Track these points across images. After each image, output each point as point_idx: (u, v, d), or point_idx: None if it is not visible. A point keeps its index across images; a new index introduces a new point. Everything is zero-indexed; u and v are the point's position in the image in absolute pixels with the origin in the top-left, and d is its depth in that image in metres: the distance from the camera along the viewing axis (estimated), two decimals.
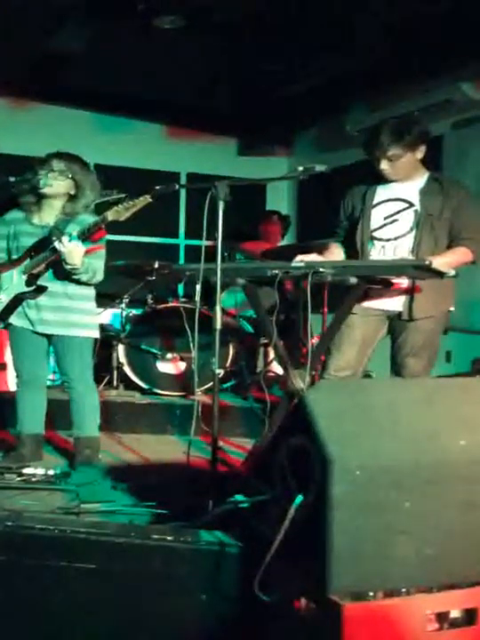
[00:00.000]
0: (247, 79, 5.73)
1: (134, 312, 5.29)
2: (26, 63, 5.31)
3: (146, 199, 3.15)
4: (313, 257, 3.41)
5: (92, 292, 3.56)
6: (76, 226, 3.32)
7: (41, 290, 3.39)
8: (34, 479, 3.08)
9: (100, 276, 3.45)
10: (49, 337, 3.51)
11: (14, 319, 3.48)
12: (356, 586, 1.87)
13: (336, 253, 3.55)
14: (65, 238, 3.20)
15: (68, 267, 3.27)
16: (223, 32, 4.87)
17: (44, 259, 3.34)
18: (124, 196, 3.24)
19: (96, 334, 3.58)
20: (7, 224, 3.53)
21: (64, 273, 3.35)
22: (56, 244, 3.24)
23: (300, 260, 3.27)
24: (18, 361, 3.58)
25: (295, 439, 2.09)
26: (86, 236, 3.24)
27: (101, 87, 5.80)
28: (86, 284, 3.43)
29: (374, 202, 3.38)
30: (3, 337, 4.24)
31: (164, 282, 5.45)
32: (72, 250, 3.21)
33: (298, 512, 1.96)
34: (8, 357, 4.27)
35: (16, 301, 3.44)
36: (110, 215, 3.19)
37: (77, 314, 3.47)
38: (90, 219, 3.35)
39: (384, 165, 3.26)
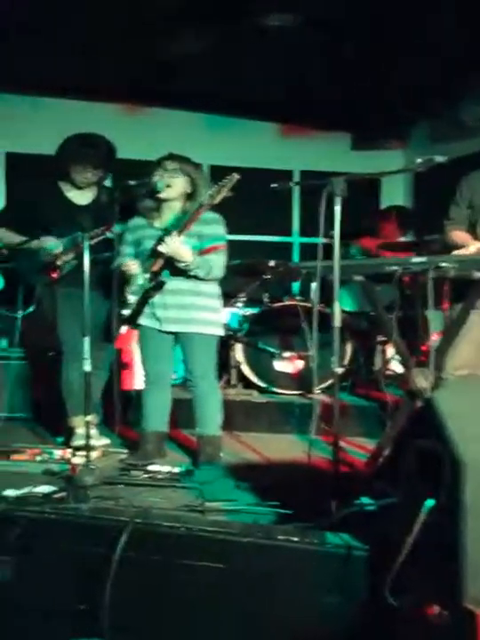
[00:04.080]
0: (359, 73, 5.63)
1: (251, 311, 5.32)
2: (140, 68, 5.44)
3: (233, 177, 3.24)
4: None
5: (216, 289, 3.60)
6: (197, 225, 3.38)
7: (160, 285, 3.46)
8: (159, 476, 3.15)
9: (217, 272, 3.49)
10: (176, 335, 3.59)
11: (143, 319, 3.58)
12: None
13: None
14: (167, 238, 3.29)
15: (180, 264, 3.35)
16: (334, 28, 4.82)
17: (160, 256, 3.42)
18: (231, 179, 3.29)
19: (221, 332, 3.62)
20: (132, 231, 3.64)
21: (181, 270, 3.42)
22: (159, 247, 3.33)
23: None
24: (145, 360, 3.67)
25: (423, 441, 2.04)
26: (182, 229, 3.31)
27: (215, 89, 5.85)
28: (205, 280, 3.47)
29: None
30: (128, 337, 4.37)
31: (279, 280, 5.45)
32: (176, 248, 3.30)
33: (428, 516, 1.91)
34: (136, 357, 4.40)
35: (143, 302, 3.53)
36: (206, 200, 3.27)
37: (203, 311, 3.52)
38: (208, 216, 3.42)
39: None
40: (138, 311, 3.54)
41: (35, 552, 2.55)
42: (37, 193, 4.06)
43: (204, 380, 3.55)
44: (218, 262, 3.48)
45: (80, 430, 3.78)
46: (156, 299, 3.51)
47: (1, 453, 3.51)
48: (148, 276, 3.48)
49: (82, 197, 4.03)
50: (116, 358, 3.97)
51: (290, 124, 6.87)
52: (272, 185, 3.15)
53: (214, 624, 2.33)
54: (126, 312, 3.55)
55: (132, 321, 3.58)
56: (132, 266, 3.50)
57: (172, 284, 3.48)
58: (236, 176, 3.26)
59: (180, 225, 3.35)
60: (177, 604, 2.38)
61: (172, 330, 3.55)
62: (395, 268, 3.08)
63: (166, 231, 3.40)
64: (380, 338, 5.05)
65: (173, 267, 3.41)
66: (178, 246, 3.31)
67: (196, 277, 3.45)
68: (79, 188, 3.99)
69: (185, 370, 3.68)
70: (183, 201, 3.52)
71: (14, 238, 3.97)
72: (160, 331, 3.56)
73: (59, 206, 3.96)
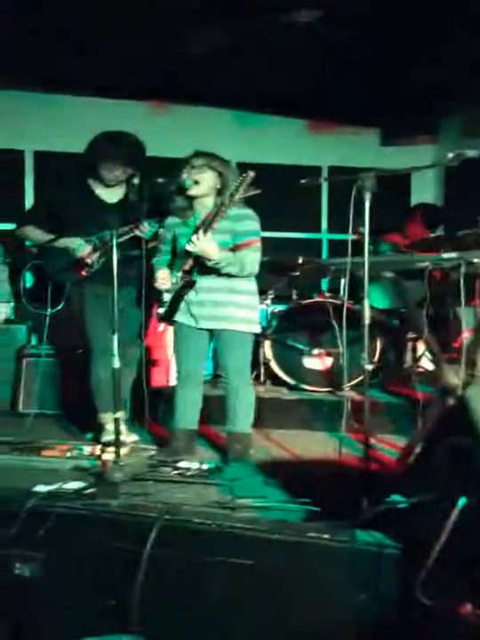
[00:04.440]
0: (388, 68, 5.58)
1: (279, 308, 5.30)
2: (165, 66, 5.45)
3: (248, 175, 3.23)
4: None
5: (252, 286, 3.58)
6: (227, 221, 3.38)
7: (191, 284, 3.47)
8: (188, 473, 3.15)
9: (251, 269, 3.46)
10: (211, 333, 3.59)
11: (179, 316, 3.58)
12: None
13: None
14: (193, 237, 3.30)
15: (209, 263, 3.35)
16: (361, 22, 4.78)
17: (190, 255, 3.43)
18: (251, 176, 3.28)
19: (256, 329, 3.60)
20: (168, 229, 3.65)
21: (214, 268, 3.42)
22: (187, 246, 3.33)
23: None
24: (179, 357, 3.67)
25: (455, 438, 2.01)
26: (207, 228, 3.30)
27: (243, 85, 5.84)
28: (239, 277, 3.46)
29: None
30: (159, 334, 4.40)
31: (307, 277, 5.42)
32: (202, 247, 3.29)
33: (461, 514, 1.88)
34: (170, 354, 4.41)
35: (176, 299, 3.54)
36: (227, 200, 3.27)
37: (238, 308, 3.51)
38: (241, 212, 3.41)
39: None
40: (172, 309, 3.55)
41: (65, 547, 2.56)
42: (66, 191, 4.08)
43: (237, 378, 3.54)
44: (250, 258, 3.45)
45: (109, 426, 3.80)
46: (192, 296, 3.52)
47: (31, 449, 3.54)
48: (179, 274, 3.49)
49: (111, 195, 4.04)
50: (145, 355, 3.98)
51: (318, 120, 6.84)
52: (301, 181, 3.13)
53: (243, 621, 2.32)
54: (162, 310, 3.57)
55: (167, 318, 3.59)
56: (163, 281, 3.51)
57: (208, 281, 3.48)
58: (251, 173, 3.24)
59: (206, 224, 3.35)
60: (206, 601, 2.38)
61: (208, 327, 3.55)
62: (425, 264, 3.05)
63: (195, 230, 3.40)
64: (411, 335, 5.00)
65: (205, 265, 3.42)
66: (205, 245, 3.31)
67: (229, 275, 3.44)
68: (108, 185, 4.01)
69: (219, 366, 3.67)
70: (214, 197, 3.51)
71: (42, 236, 4.00)
72: (196, 328, 3.57)
73: (87, 204, 3.98)
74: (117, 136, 3.93)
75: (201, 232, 3.31)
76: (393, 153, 6.87)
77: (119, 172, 3.95)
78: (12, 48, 5.02)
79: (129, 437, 3.82)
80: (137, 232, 3.73)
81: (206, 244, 3.30)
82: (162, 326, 3.85)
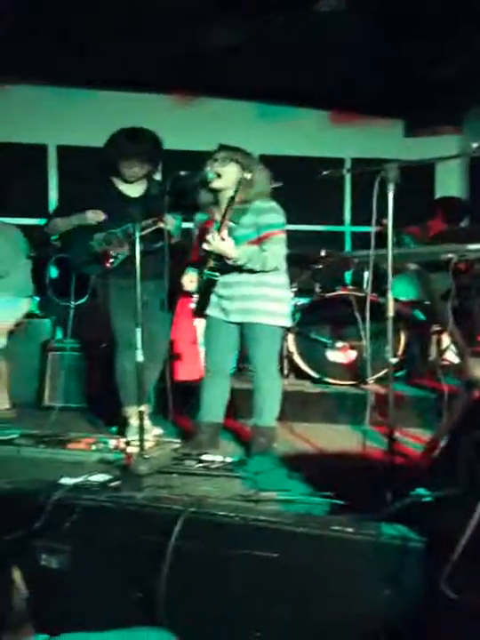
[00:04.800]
0: (411, 58, 5.53)
1: (302, 301, 5.29)
2: (190, 59, 5.44)
3: (244, 177, 3.29)
4: None
5: (281, 279, 3.57)
6: (251, 215, 3.37)
7: (212, 282, 3.47)
8: (213, 466, 3.16)
9: (273, 263, 3.43)
10: (241, 326, 3.59)
11: (210, 310, 3.59)
12: None
13: None
14: (209, 236, 3.30)
15: (228, 261, 3.34)
16: (384, 12, 4.74)
17: (209, 253, 3.43)
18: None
19: (285, 323, 3.59)
20: (197, 226, 3.68)
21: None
22: (204, 245, 3.33)
23: None
24: (209, 350, 3.68)
25: None
26: (220, 226, 3.30)
27: (264, 78, 5.82)
28: (264, 271, 3.45)
29: None
30: (192, 328, 4.41)
31: (330, 270, 5.40)
32: (217, 245, 3.30)
33: None
34: (198, 347, 4.43)
35: (204, 295, 3.54)
36: (232, 201, 3.31)
37: (266, 302, 3.50)
38: (264, 205, 3.40)
39: None
40: (203, 304, 3.55)
41: (90, 539, 2.58)
42: (89, 185, 4.11)
43: (265, 371, 3.54)
44: (272, 251, 3.42)
45: (133, 420, 3.83)
46: (222, 291, 3.53)
47: (57, 442, 3.57)
48: (205, 270, 3.50)
49: (133, 191, 4.06)
50: (170, 348, 3.98)
51: (341, 111, 6.79)
52: (323, 172, 3.10)
53: (267, 614, 2.32)
54: (193, 305, 3.59)
55: (199, 313, 3.60)
56: (190, 283, 3.56)
57: (236, 276, 3.48)
58: (247, 176, 3.27)
59: (219, 223, 3.34)
60: (230, 594, 2.39)
61: (237, 320, 3.55)
62: (450, 255, 3.02)
63: (217, 227, 3.40)
64: (436, 328, 4.96)
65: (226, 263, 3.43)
66: (220, 244, 3.30)
67: (251, 271, 3.44)
68: (128, 182, 4.02)
69: (247, 359, 3.68)
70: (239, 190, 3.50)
71: (68, 221, 3.99)
72: (226, 321, 3.57)
73: (111, 199, 4.00)
74: (135, 133, 3.94)
75: (215, 231, 3.31)
76: (417, 144, 6.80)
77: (137, 168, 3.97)
78: (36, 43, 5.05)
79: (153, 431, 3.85)
80: (160, 225, 3.74)
81: (221, 243, 3.30)
82: (196, 320, 3.87)
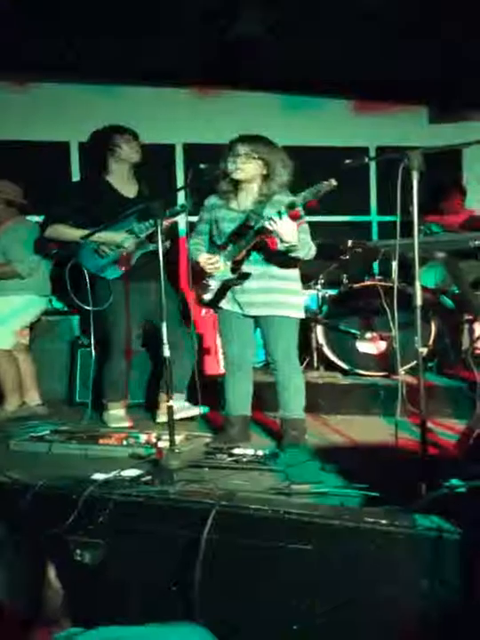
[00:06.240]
0: (437, 43, 5.44)
1: (330, 292, 5.25)
2: (209, 52, 5.41)
3: (331, 183, 3.11)
4: None
5: (296, 272, 3.57)
6: (272, 207, 3.34)
7: (244, 276, 3.46)
8: (244, 459, 3.15)
9: (313, 252, 3.45)
10: (256, 319, 3.57)
11: (224, 303, 3.58)
12: None
13: None
14: (276, 217, 3.22)
15: (285, 245, 3.30)
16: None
17: (246, 244, 3.40)
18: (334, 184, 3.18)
19: (301, 315, 3.58)
20: (208, 210, 3.63)
21: (269, 254, 3.41)
22: (267, 224, 3.25)
23: None
24: (226, 344, 3.67)
25: None
26: (289, 208, 3.24)
27: (286, 69, 5.77)
28: (295, 262, 3.45)
29: None
30: (210, 322, 4.37)
31: (358, 260, 5.35)
32: (285, 227, 3.23)
33: None
34: (218, 341, 4.42)
35: (224, 288, 3.53)
36: (299, 200, 3.19)
37: (283, 294, 3.49)
38: (285, 199, 3.35)
39: None
40: (219, 296, 3.54)
41: (123, 534, 2.59)
42: (87, 187, 4.21)
43: (285, 363, 3.52)
44: (309, 241, 3.43)
45: (114, 412, 4.15)
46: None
47: (88, 438, 3.59)
48: (229, 264, 3.47)
49: (128, 191, 4.16)
50: (199, 342, 3.98)
51: (362, 99, 6.72)
52: (346, 161, 3.06)
53: (301, 606, 2.31)
54: (207, 297, 3.56)
55: (212, 305, 3.59)
56: (213, 265, 3.49)
57: (260, 267, 3.47)
58: (333, 182, 3.12)
59: (288, 206, 3.23)
60: (265, 586, 2.38)
61: (253, 314, 3.54)
62: (478, 242, 2.97)
63: (255, 215, 3.38)
64: (467, 316, 4.89)
65: (261, 252, 3.41)
66: (286, 225, 3.21)
67: (281, 263, 3.41)
68: (124, 177, 4.12)
69: (267, 353, 3.66)
70: (260, 182, 3.48)
71: (77, 232, 3.93)
72: (241, 315, 3.56)
73: (111, 199, 4.06)
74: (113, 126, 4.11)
75: (285, 216, 3.21)
76: (443, 130, 6.71)
77: (134, 143, 4.00)
78: (56, 39, 5.07)
79: (190, 411, 4.00)
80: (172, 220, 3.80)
81: (289, 225, 3.23)
82: (204, 311, 3.85)
